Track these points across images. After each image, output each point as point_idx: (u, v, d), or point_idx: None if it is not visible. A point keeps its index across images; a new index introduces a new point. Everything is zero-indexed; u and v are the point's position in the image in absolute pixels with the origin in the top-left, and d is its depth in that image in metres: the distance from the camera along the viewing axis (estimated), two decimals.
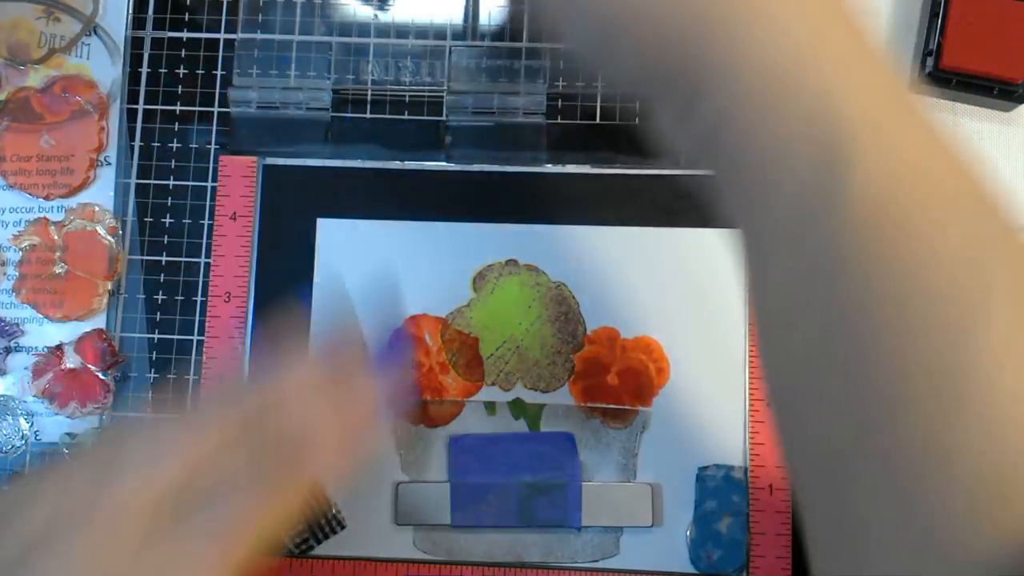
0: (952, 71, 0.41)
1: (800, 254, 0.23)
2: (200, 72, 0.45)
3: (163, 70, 0.45)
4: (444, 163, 0.43)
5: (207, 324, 0.42)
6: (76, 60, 0.44)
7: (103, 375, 0.42)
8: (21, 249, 0.43)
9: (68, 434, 0.41)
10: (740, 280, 0.41)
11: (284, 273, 0.43)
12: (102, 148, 0.44)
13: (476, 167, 0.43)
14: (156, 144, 0.44)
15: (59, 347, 0.42)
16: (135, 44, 0.45)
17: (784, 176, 0.22)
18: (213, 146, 0.44)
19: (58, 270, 0.42)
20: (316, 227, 0.43)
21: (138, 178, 0.44)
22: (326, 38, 0.44)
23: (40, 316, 0.42)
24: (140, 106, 0.45)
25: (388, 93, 0.44)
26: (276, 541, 0.27)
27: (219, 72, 0.45)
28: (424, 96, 0.44)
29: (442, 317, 0.42)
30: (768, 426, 0.40)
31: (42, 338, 0.42)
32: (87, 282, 0.42)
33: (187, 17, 0.45)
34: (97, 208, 0.43)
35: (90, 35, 0.44)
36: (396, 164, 0.43)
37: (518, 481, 0.40)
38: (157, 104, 0.45)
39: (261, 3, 0.44)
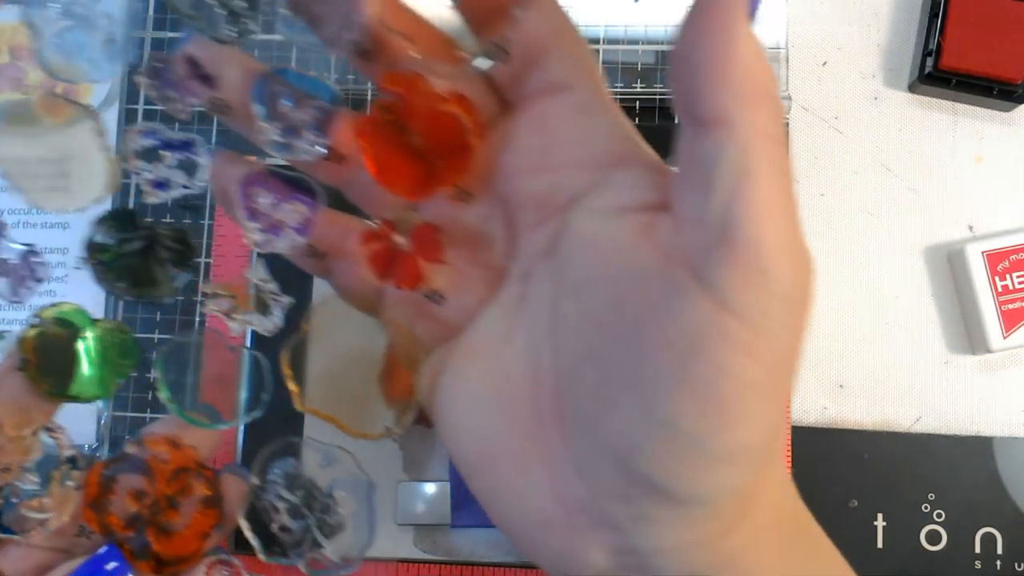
0: (952, 71, 0.41)
1: None
2: None
3: None
4: None
5: (207, 324, 0.42)
6: None
7: None
8: None
9: None
10: None
11: (284, 273, 0.43)
12: None
13: None
14: None
15: None
16: (135, 44, 0.45)
17: None
18: (213, 146, 0.44)
19: None
20: None
21: None
22: None
23: None
24: (140, 106, 0.45)
25: None
26: None
27: None
28: None
29: None
30: None
31: None
32: None
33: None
34: None
35: None
36: None
37: None
38: (157, 104, 0.44)
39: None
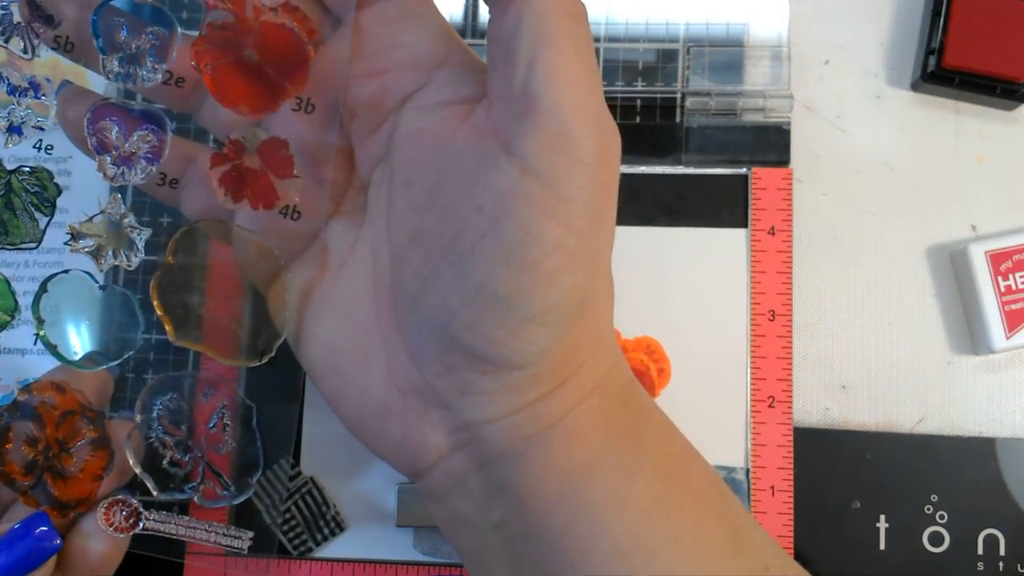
0: (954, 70, 0.41)
1: None
2: None
3: None
4: None
5: None
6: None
7: None
8: None
9: None
10: (741, 280, 0.41)
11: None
12: None
13: None
14: None
15: None
16: None
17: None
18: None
19: None
20: None
21: None
22: None
23: None
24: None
25: None
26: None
27: None
28: None
29: None
30: (769, 427, 0.40)
31: None
32: None
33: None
34: None
35: None
36: None
37: None
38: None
39: None
